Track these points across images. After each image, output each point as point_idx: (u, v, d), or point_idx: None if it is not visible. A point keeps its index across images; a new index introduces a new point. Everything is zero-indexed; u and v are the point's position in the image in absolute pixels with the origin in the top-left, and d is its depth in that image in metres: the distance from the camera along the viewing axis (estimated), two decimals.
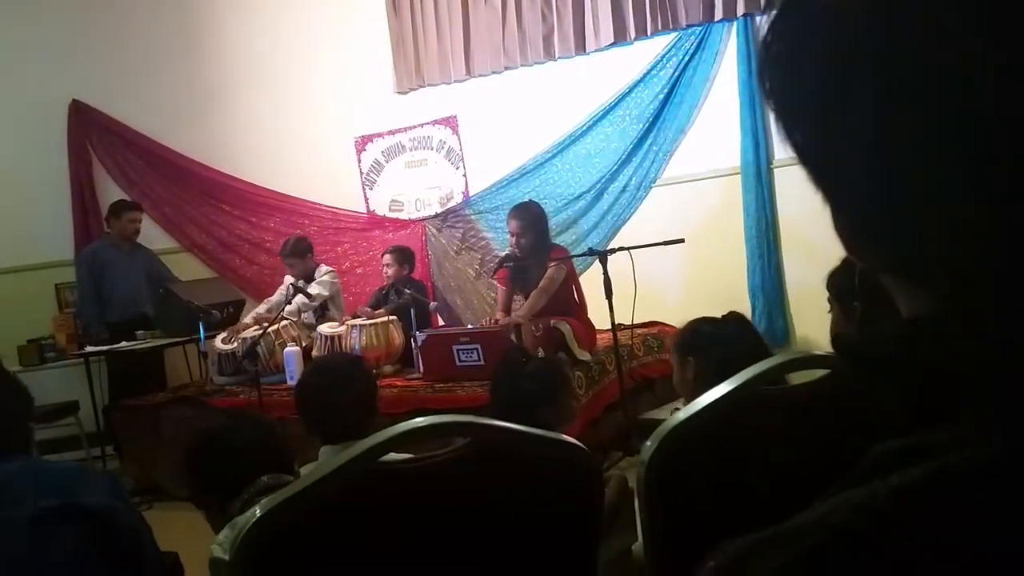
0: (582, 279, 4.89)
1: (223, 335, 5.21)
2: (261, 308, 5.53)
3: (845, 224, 0.49)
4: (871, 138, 0.44)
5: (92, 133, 6.69)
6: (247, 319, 5.42)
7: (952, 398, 0.43)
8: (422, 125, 6.32)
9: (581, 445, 1.23)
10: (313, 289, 5.26)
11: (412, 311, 4.92)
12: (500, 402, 2.61)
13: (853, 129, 0.45)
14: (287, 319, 5.14)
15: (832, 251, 0.52)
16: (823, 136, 0.47)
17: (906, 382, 0.46)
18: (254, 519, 1.07)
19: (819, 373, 1.38)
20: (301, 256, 5.48)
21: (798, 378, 1.37)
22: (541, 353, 2.80)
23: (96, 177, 6.75)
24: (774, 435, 1.28)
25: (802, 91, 0.47)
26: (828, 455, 1.00)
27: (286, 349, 4.91)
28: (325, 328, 5.04)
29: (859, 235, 0.48)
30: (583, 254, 4.67)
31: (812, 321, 5.12)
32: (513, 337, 4.32)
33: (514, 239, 4.65)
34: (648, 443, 1.23)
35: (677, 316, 5.17)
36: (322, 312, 5.48)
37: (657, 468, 1.21)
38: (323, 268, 5.60)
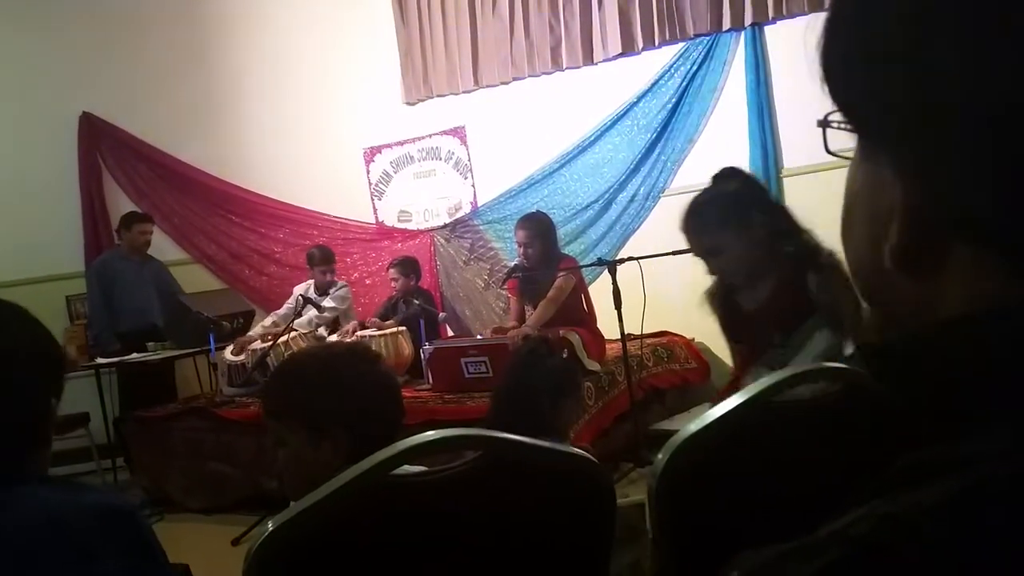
0: (591, 289, 4.88)
1: (232, 347, 5.23)
2: (267, 321, 5.54)
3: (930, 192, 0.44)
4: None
5: (103, 145, 6.74)
6: (252, 332, 5.43)
7: (988, 403, 0.42)
8: (430, 136, 6.33)
9: (593, 459, 1.23)
10: (327, 303, 5.27)
11: (421, 321, 4.92)
12: (518, 388, 2.53)
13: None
14: (297, 330, 5.15)
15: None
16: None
17: (939, 384, 0.44)
18: (267, 533, 1.07)
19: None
20: (331, 263, 5.54)
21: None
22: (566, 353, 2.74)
23: (107, 189, 6.79)
24: (786, 447, 1.27)
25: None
26: (840, 467, 1.00)
27: None
28: (335, 339, 5.04)
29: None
30: (592, 264, 4.66)
31: None
32: None
33: (522, 249, 4.65)
34: (659, 455, 1.23)
35: (687, 326, 5.19)
36: (333, 325, 5.49)
37: (669, 480, 1.21)
38: (338, 282, 5.63)
